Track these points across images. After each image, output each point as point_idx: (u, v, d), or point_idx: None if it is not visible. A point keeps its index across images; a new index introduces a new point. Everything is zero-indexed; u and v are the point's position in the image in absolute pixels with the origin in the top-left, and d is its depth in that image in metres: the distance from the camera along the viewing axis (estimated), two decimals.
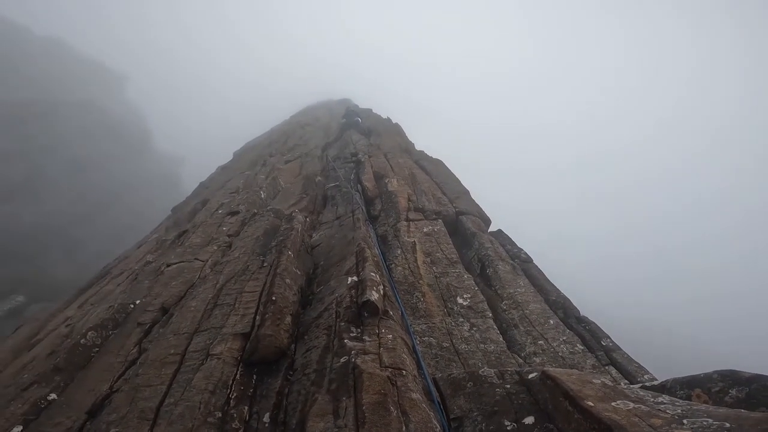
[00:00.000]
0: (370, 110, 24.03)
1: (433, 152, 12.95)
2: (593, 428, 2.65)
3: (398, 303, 4.71)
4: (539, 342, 5.87)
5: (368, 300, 3.74)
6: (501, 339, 5.81)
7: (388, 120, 18.65)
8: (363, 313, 3.81)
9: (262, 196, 8.85)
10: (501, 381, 3.88)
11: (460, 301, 6.43)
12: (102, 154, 35.06)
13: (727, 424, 2.36)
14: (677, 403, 2.95)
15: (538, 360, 5.71)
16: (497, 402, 3.65)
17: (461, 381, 4.24)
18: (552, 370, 3.40)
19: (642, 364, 5.59)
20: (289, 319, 4.60)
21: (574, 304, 6.92)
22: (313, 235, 7.37)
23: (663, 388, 3.55)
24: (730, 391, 3.15)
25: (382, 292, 4.08)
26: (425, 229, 7.47)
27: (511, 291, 6.56)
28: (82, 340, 4.51)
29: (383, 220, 8.00)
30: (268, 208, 7.82)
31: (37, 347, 5.73)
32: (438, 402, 3.78)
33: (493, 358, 5.55)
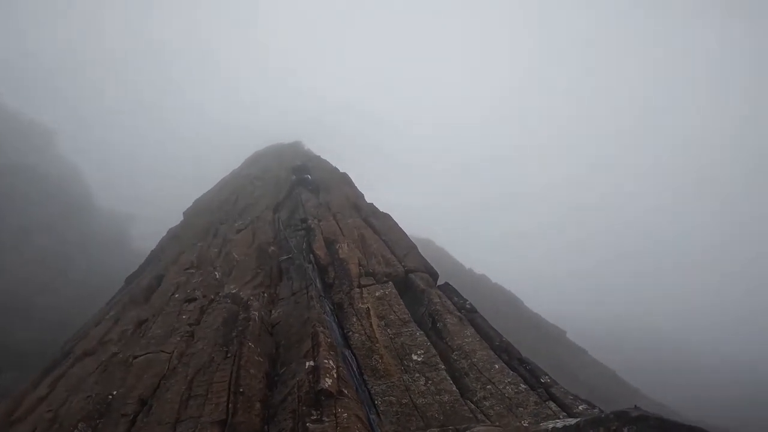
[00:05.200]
0: (319, 158, 25.09)
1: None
2: None
3: (353, 379, 5.65)
4: (488, 387, 6.94)
5: (323, 388, 4.67)
6: (454, 388, 6.84)
7: (335, 170, 19.74)
8: (321, 398, 4.73)
9: (217, 276, 9.59)
10: None
11: (414, 357, 7.43)
12: (46, 217, 34.57)
13: None
14: None
15: (487, 404, 6.77)
16: None
17: None
18: (477, 429, 4.47)
19: (577, 395, 6.74)
20: (258, 405, 5.47)
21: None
22: (273, 312, 8.22)
23: (576, 428, 4.62)
24: (623, 429, 4.06)
25: (335, 375, 5.02)
26: (377, 294, 8.49)
27: (460, 342, 7.62)
28: (75, 431, 5.20)
29: (338, 288, 8.97)
30: (225, 293, 8.60)
31: (20, 426, 6.27)
32: None
33: (448, 408, 6.56)
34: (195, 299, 8.48)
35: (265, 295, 8.67)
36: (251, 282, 9.10)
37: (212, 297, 8.51)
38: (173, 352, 7.17)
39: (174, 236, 17.06)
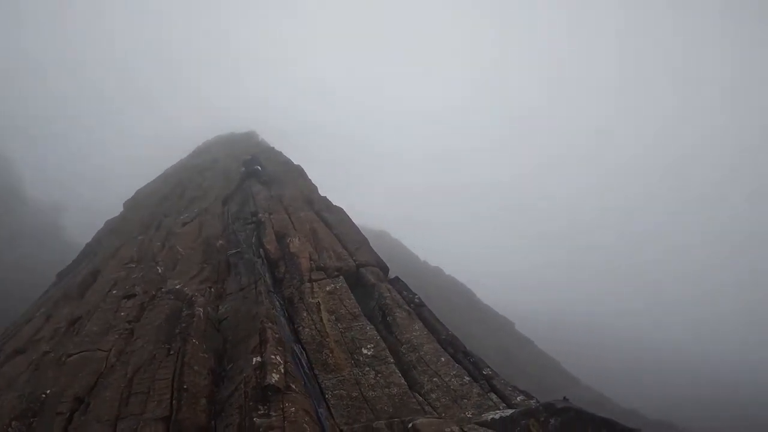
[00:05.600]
0: (273, 149, 24.61)
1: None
2: None
3: (302, 374, 5.69)
4: (434, 379, 7.18)
5: (270, 383, 4.68)
6: (403, 381, 7.02)
7: (289, 163, 19.47)
8: (268, 393, 4.73)
9: (160, 271, 9.28)
10: (390, 431, 5.10)
11: (365, 351, 7.55)
12: None
13: None
14: None
15: (434, 396, 7.01)
16: None
17: None
18: (418, 422, 4.79)
19: (516, 386, 7.10)
20: (204, 401, 5.40)
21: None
22: (220, 307, 8.07)
23: (510, 420, 4.96)
24: (551, 420, 4.57)
25: (282, 371, 5.04)
26: (328, 288, 8.53)
27: (408, 336, 7.82)
28: (9, 429, 4.96)
29: (288, 282, 8.92)
30: (168, 289, 8.34)
31: None
32: None
33: (397, 400, 6.74)
34: (135, 295, 8.18)
35: (212, 290, 8.49)
36: (197, 277, 8.87)
37: (153, 293, 8.24)
38: (111, 349, 6.91)
39: (113, 229, 16.27)
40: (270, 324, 6.00)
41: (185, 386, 5.23)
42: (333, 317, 7.93)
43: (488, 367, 7.32)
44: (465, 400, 6.60)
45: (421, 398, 6.77)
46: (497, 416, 5.14)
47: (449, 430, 4.59)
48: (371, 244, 11.06)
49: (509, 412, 5.06)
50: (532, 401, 6.28)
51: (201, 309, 6.89)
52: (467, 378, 7.04)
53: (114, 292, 8.89)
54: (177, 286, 8.29)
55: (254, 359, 5.29)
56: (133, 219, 15.98)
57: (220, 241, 10.54)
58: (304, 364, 6.63)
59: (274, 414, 4.57)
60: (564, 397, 5.49)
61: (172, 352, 6.00)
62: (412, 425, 4.93)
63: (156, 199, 18.12)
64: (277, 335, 5.78)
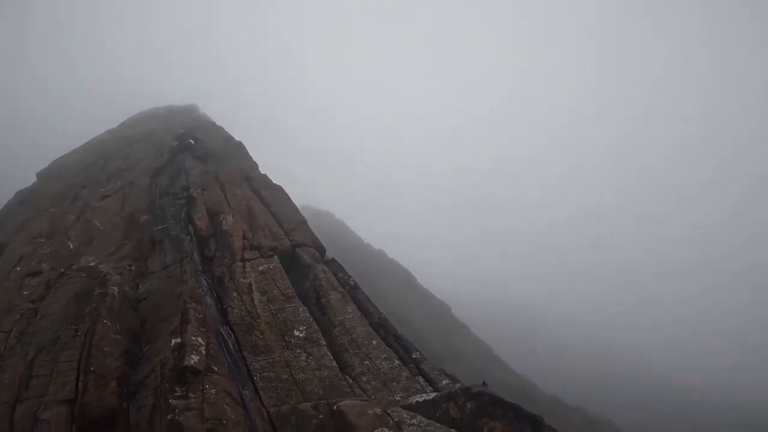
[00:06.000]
0: (214, 124, 23.27)
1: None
2: None
3: (227, 356, 5.45)
4: (365, 362, 7.17)
5: (188, 365, 4.43)
6: (334, 364, 6.95)
7: (230, 139, 18.56)
8: (186, 374, 4.47)
9: (71, 247, 8.54)
10: (316, 412, 5.06)
11: (296, 333, 7.39)
12: None
13: None
14: (421, 425, 4.57)
15: (365, 378, 7.00)
16: (313, 430, 4.85)
17: (287, 415, 5.33)
18: (343, 404, 4.76)
19: (442, 369, 7.26)
20: (114, 383, 5.04)
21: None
22: (140, 286, 7.55)
23: (432, 403, 5.14)
24: (467, 403, 4.86)
25: (204, 352, 4.79)
26: (261, 268, 8.24)
27: (341, 318, 7.74)
28: None
29: (219, 261, 8.52)
30: (79, 266, 7.70)
31: None
32: None
33: (327, 383, 6.66)
34: (40, 272, 7.49)
35: (132, 268, 7.92)
36: (115, 254, 8.26)
37: (62, 270, 7.57)
38: (11, 330, 6.31)
39: (23, 201, 14.80)
40: (193, 304, 5.68)
41: (92, 368, 4.87)
42: (265, 298, 7.68)
43: (417, 350, 7.42)
44: (394, 383, 6.67)
45: (351, 381, 6.74)
46: (421, 399, 5.35)
47: (372, 412, 4.61)
48: (312, 225, 10.84)
49: (432, 395, 5.24)
50: (457, 385, 6.46)
51: (116, 288, 6.41)
52: (397, 361, 7.10)
53: (18, 269, 8.09)
54: (91, 263, 7.67)
55: (173, 340, 4.99)
56: (47, 190, 14.61)
57: (145, 217, 9.86)
58: (231, 346, 6.38)
59: (192, 395, 4.34)
60: (483, 382, 5.86)
61: (79, 333, 5.54)
62: (337, 407, 4.89)
63: (75, 170, 16.66)
64: (200, 315, 5.48)
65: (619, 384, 39.49)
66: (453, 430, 4.45)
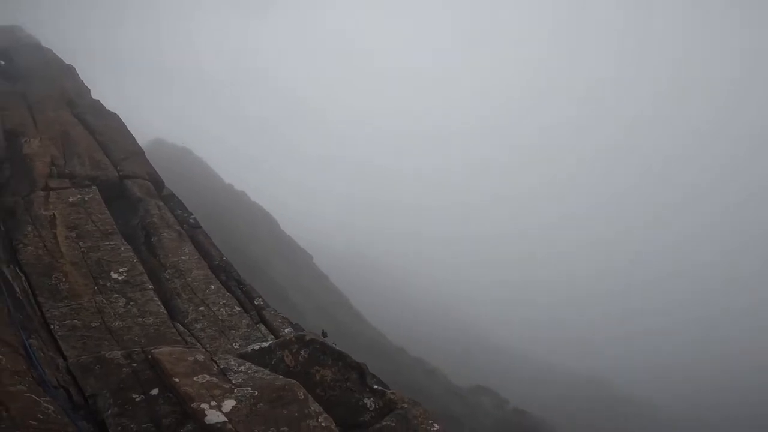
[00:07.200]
0: (39, 45, 19.29)
1: None
2: (177, 397, 3.82)
3: (8, 300, 4.51)
4: (200, 308, 6.56)
5: None
6: (162, 310, 6.21)
7: (57, 60, 15.66)
8: None
9: None
10: (129, 361, 4.46)
11: (114, 276, 6.44)
12: None
13: (256, 393, 3.87)
14: (249, 372, 4.33)
15: (199, 326, 6.41)
16: (123, 380, 4.26)
17: (90, 365, 4.62)
18: (158, 351, 4.34)
19: (287, 318, 6.98)
20: None
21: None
22: None
23: (268, 351, 4.98)
24: (301, 352, 4.89)
25: None
26: (71, 199, 6.96)
27: (175, 260, 6.95)
28: None
29: (13, 189, 6.99)
30: None
31: None
32: (63, 387, 4.14)
33: (152, 331, 5.92)
34: None
35: None
36: None
37: None
38: None
39: None
40: None
41: None
42: (73, 234, 6.51)
43: (260, 297, 7.04)
44: (233, 331, 6.25)
45: (182, 328, 6.16)
46: (257, 348, 5.12)
47: (193, 358, 4.18)
48: (163, 160, 9.62)
49: (267, 343, 5.11)
50: (302, 334, 6.31)
51: None
52: (237, 308, 6.66)
53: None
54: None
55: None
56: None
57: None
58: (17, 289, 5.27)
59: None
60: (323, 332, 5.93)
61: None
62: (152, 355, 4.35)
63: None
64: None
65: (455, 339, 43.97)
66: (280, 376, 4.33)
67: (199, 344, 5.90)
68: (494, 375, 34.49)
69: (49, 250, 6.11)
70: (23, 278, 5.60)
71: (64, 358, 4.86)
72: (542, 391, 36.47)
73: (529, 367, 43.98)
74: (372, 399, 4.58)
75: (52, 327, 5.42)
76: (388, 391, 4.66)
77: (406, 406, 4.44)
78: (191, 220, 7.77)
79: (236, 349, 5.79)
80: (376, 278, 50.35)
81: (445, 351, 36.06)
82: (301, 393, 3.98)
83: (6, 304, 4.74)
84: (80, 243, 6.43)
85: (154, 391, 4.07)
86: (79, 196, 7.04)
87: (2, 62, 14.45)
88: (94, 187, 7.38)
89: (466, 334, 47.11)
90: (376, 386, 4.72)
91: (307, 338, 4.90)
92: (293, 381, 4.15)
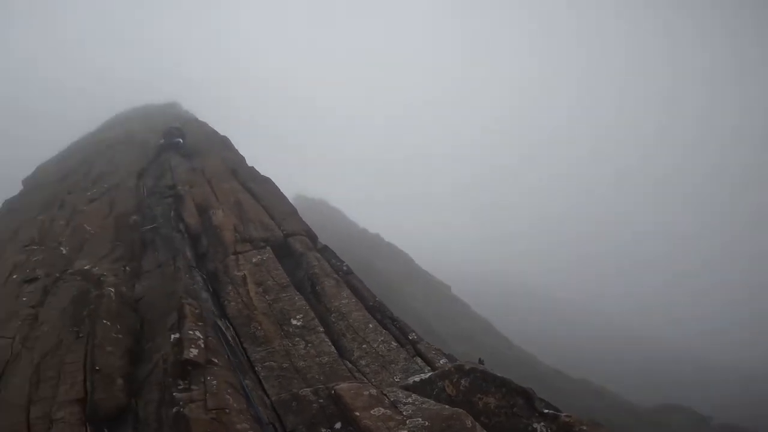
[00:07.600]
0: (197, 120, 23.27)
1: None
2: (358, 430, 4.35)
3: (226, 348, 5.72)
4: (363, 346, 7.44)
5: (188, 358, 4.70)
6: (333, 349, 7.22)
7: (214, 134, 18.66)
8: (187, 368, 4.75)
9: (64, 252, 8.74)
10: (316, 397, 5.33)
11: (294, 322, 7.66)
12: None
13: (426, 423, 4.17)
14: (416, 403, 4.75)
15: (364, 362, 7.27)
16: (314, 415, 5.08)
17: (288, 401, 5.60)
18: (339, 388, 4.98)
19: (440, 349, 7.53)
20: (120, 381, 5.33)
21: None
22: (136, 285, 7.79)
23: (429, 382, 5.40)
24: (462, 381, 5.09)
25: (202, 345, 5.05)
26: (254, 260, 8.48)
27: (337, 304, 8.01)
28: None
29: (212, 256, 8.76)
30: (73, 270, 7.92)
31: None
32: (271, 423, 5.00)
33: (327, 369, 6.93)
34: (36, 279, 7.70)
35: (127, 269, 8.15)
36: (109, 256, 8.46)
37: (57, 275, 7.79)
38: (15, 336, 6.54)
39: (11, 209, 14.92)
40: (189, 299, 5.93)
41: (98, 368, 5.14)
42: (260, 289, 7.94)
43: (413, 331, 7.70)
44: (393, 365, 6.92)
45: (351, 365, 6.98)
46: (418, 379, 5.52)
47: (368, 393, 4.83)
48: (308, 213, 11.08)
49: (427, 375, 5.45)
50: (456, 363, 6.74)
51: (112, 289, 6.65)
52: (394, 343, 7.35)
53: (14, 276, 8.28)
54: (85, 267, 7.88)
55: (172, 336, 5.25)
56: (34, 198, 14.71)
57: (134, 217, 10.05)
58: (230, 338, 6.65)
59: (195, 388, 4.61)
60: (479, 359, 6.15)
61: (81, 335, 5.80)
62: (335, 391, 5.10)
63: (58, 177, 16.70)
64: (196, 311, 5.74)
65: (620, 354, 40.33)
66: (446, 406, 4.63)
67: (365, 378, 6.67)
68: (680, 389, 30.83)
69: (245, 304, 7.57)
70: (232, 329, 7.05)
71: (268, 396, 5.94)
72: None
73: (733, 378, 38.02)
74: (543, 423, 4.42)
75: (256, 368, 6.69)
76: (562, 414, 4.45)
77: (585, 428, 4.18)
78: (344, 268, 8.84)
79: (397, 381, 6.36)
80: (521, 303, 48.86)
81: (611, 370, 33.35)
82: (469, 421, 4.26)
83: (225, 350, 6.06)
84: (266, 296, 7.83)
85: (338, 425, 4.72)
86: (258, 256, 8.57)
87: (181, 140, 16.56)
88: (268, 248, 8.90)
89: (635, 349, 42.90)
90: (546, 410, 4.55)
91: (467, 367, 5.10)
92: (460, 410, 4.43)
